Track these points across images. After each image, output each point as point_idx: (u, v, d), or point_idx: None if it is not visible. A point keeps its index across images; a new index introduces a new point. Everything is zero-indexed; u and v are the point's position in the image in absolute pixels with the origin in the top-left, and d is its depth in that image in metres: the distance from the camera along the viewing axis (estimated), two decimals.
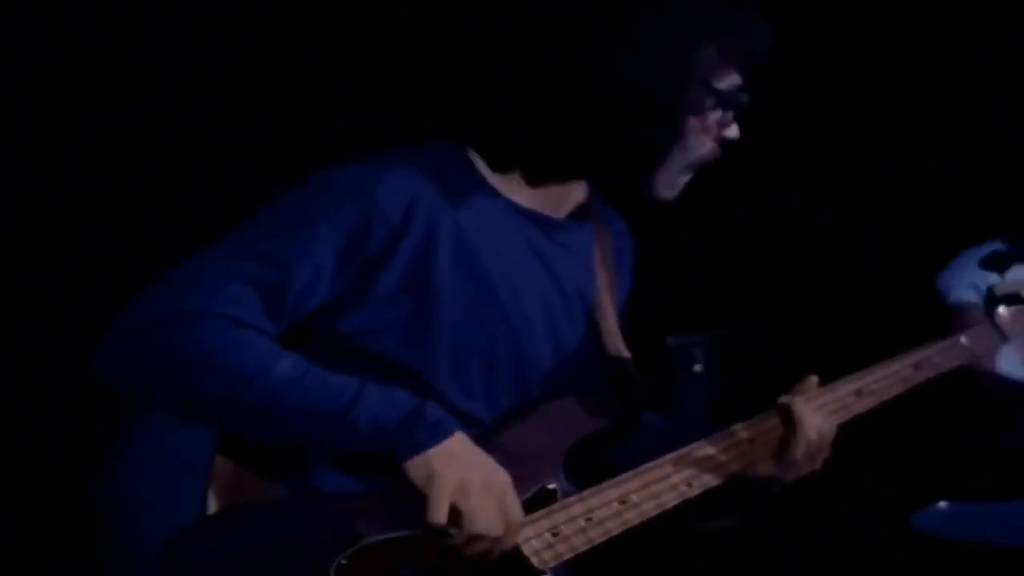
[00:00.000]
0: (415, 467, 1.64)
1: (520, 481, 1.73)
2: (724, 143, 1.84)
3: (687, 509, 1.94)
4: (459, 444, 1.67)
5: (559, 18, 1.77)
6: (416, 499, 1.62)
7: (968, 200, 3.68)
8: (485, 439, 1.75)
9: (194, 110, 3.26)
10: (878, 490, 3.23)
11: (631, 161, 1.80)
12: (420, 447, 1.64)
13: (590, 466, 1.86)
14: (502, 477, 1.68)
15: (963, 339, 2.06)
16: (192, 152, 3.26)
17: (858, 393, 2.00)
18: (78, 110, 3.22)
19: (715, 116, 1.81)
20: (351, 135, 3.11)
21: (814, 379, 1.93)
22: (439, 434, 1.66)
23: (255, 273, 1.65)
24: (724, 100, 1.79)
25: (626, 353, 1.95)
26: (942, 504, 2.87)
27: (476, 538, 1.62)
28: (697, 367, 3.38)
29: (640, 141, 1.78)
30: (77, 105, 3.21)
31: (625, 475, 1.83)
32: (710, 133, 1.82)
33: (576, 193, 1.86)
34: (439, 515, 1.60)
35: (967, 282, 3.27)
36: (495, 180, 1.81)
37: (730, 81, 1.80)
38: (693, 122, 1.79)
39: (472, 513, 1.62)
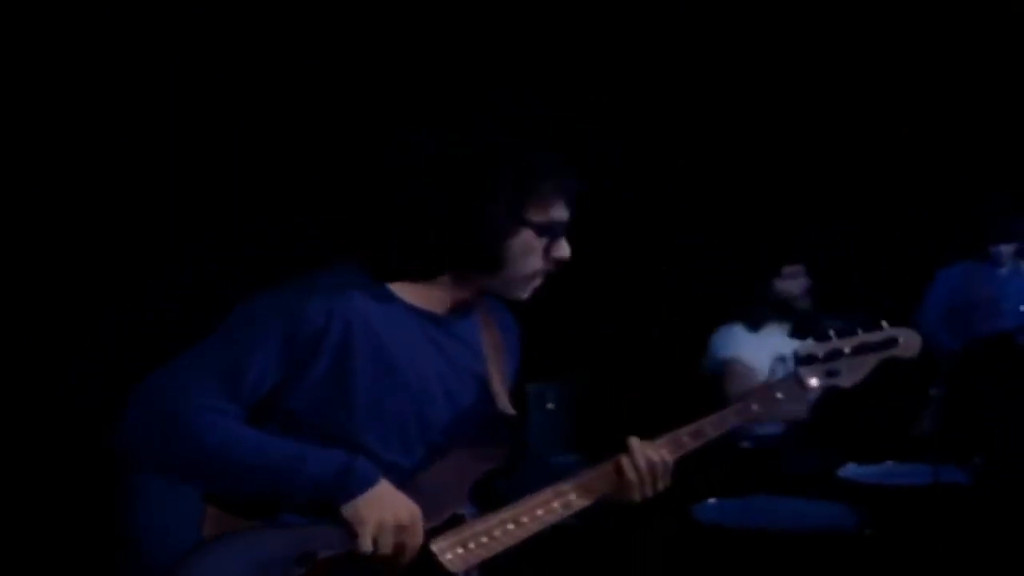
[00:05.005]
0: (347, 511, 2.03)
1: (434, 510, 2.09)
2: (557, 261, 2.15)
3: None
4: (382, 489, 2.04)
5: (426, 183, 2.09)
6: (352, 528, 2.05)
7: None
8: (408, 481, 2.10)
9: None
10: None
11: (473, 274, 2.14)
12: (351, 496, 2.03)
13: (489, 497, 2.17)
14: (412, 511, 2.06)
15: (753, 406, 2.27)
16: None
17: (694, 435, 2.22)
18: (78, 110, 3.16)
19: (541, 242, 2.12)
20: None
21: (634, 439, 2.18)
22: (365, 484, 2.03)
23: (220, 375, 2.01)
24: (543, 230, 2.11)
25: (511, 411, 2.23)
26: (712, 500, 3.52)
27: (391, 556, 2.06)
28: (550, 405, 4.09)
29: (474, 262, 2.11)
30: (77, 104, 3.16)
31: (517, 502, 2.15)
32: (537, 254, 2.12)
33: (455, 295, 2.17)
34: (366, 546, 2.04)
35: (730, 342, 4.10)
36: (393, 288, 2.14)
37: (549, 215, 2.11)
38: (515, 248, 2.09)
39: (386, 543, 2.05)
